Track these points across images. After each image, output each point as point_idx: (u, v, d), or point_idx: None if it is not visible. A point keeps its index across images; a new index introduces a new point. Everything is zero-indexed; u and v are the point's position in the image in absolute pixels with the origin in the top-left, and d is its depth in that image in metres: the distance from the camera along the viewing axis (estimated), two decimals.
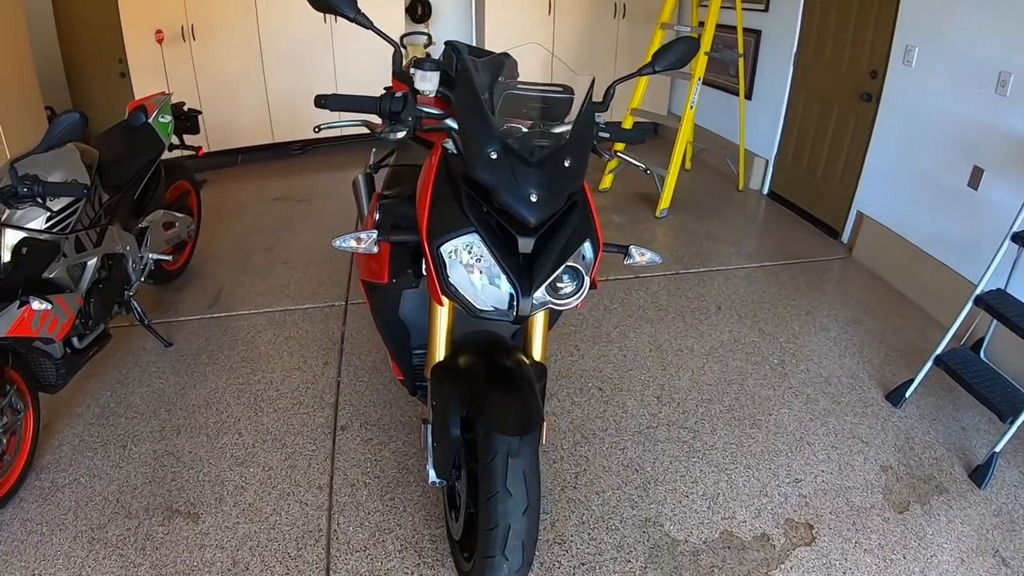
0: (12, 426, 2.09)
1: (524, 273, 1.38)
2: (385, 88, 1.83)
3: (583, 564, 1.91)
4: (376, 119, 1.62)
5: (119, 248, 2.60)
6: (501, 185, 1.36)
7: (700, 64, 4.10)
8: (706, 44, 4.07)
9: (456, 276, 1.43)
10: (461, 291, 1.43)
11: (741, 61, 4.47)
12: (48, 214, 2.13)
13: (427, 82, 1.56)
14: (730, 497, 2.13)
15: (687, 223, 4.23)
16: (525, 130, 1.56)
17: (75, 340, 2.35)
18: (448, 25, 5.68)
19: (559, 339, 2.98)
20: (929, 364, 2.47)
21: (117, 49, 4.72)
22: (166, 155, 3.23)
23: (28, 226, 2.09)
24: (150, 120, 2.94)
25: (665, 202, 4.27)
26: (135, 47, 4.64)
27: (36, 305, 1.99)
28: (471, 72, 1.46)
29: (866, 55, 3.64)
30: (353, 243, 1.48)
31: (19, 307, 1.96)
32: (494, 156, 1.37)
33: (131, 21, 4.59)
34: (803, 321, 3.13)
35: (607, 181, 4.72)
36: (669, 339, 2.99)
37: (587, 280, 1.45)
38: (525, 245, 1.38)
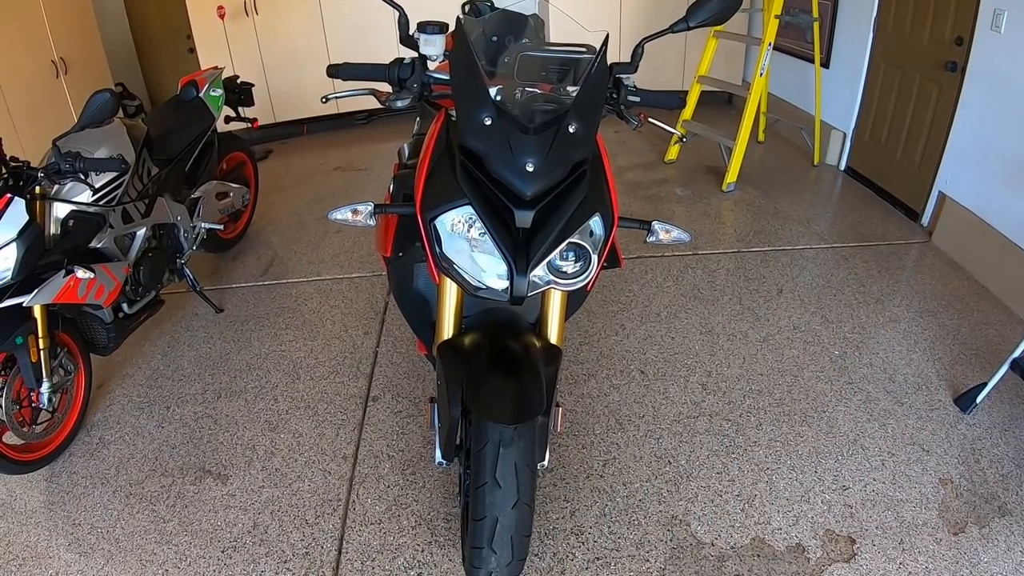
0: (63, 385, 2.21)
1: (520, 250, 1.29)
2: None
3: (598, 559, 1.83)
4: (386, 87, 1.56)
5: (169, 218, 2.69)
6: (495, 154, 1.26)
7: (770, 28, 3.79)
8: (777, 7, 3.75)
9: (453, 251, 1.36)
10: (456, 267, 1.36)
11: (816, 26, 4.10)
12: (95, 188, 2.21)
13: (432, 46, 1.48)
14: (767, 500, 1.99)
15: (755, 199, 3.98)
16: (539, 92, 1.45)
17: (124, 306, 2.46)
18: None
19: (604, 317, 2.88)
20: (1005, 368, 2.20)
21: (185, 26, 4.89)
22: (224, 127, 3.32)
23: (75, 200, 2.18)
24: (201, 94, 3.01)
25: (732, 176, 4.03)
26: (200, 23, 4.79)
27: (81, 274, 2.08)
28: (465, 32, 1.36)
29: (951, 20, 3.26)
30: (349, 215, 1.44)
31: (65, 276, 2.06)
32: (488, 122, 1.28)
33: None
34: (871, 310, 2.88)
35: (673, 152, 4.50)
36: (722, 322, 2.82)
37: (594, 259, 1.34)
38: (523, 219, 1.28)
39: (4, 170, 1.98)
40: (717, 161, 4.34)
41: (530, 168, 1.25)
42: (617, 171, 4.28)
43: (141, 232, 2.49)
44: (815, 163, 4.41)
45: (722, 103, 5.60)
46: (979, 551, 1.82)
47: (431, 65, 1.59)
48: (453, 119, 1.45)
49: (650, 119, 1.72)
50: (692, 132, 4.31)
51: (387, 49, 5.10)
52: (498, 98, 1.35)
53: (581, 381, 2.50)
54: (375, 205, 1.45)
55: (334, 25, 5.07)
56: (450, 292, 1.52)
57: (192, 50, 4.92)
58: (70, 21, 4.43)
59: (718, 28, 4.11)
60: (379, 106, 1.60)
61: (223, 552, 1.90)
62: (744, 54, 5.32)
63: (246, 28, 4.89)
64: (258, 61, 4.97)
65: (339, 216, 1.45)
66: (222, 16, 4.76)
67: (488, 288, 1.36)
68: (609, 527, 1.92)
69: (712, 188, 4.13)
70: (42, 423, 2.18)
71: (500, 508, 1.33)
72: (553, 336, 1.54)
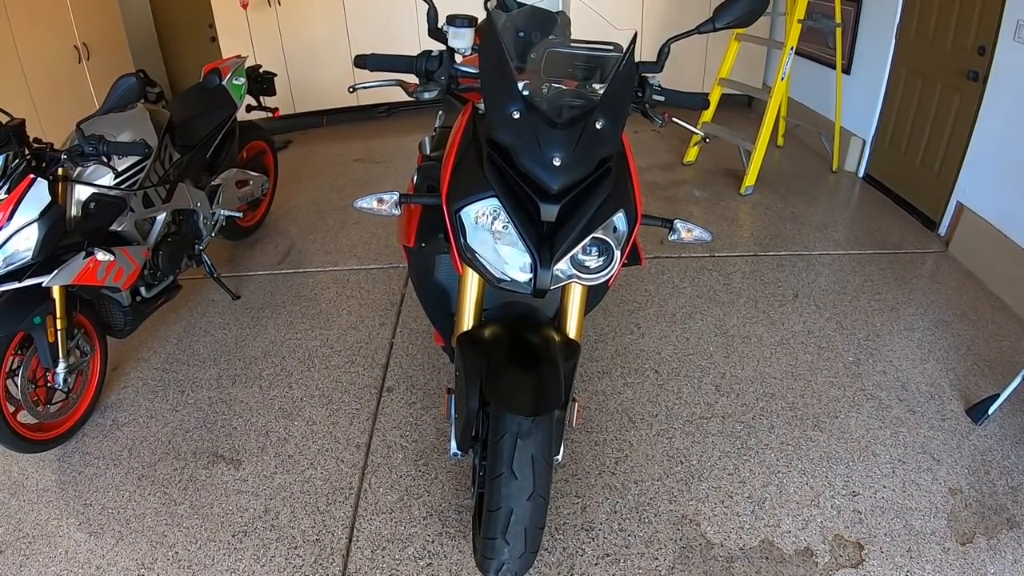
0: (79, 367, 2.24)
1: (545, 243, 1.30)
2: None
3: (607, 555, 1.83)
4: (413, 78, 1.56)
5: (189, 204, 2.71)
6: (522, 147, 1.27)
7: (793, 32, 3.77)
8: (800, 11, 3.73)
9: (477, 243, 1.36)
10: (480, 259, 1.36)
11: (839, 31, 4.08)
12: (117, 171, 2.23)
13: (460, 39, 1.48)
14: (778, 503, 1.98)
15: (772, 203, 3.96)
16: (563, 88, 1.45)
17: (142, 290, 2.48)
18: None
19: (620, 316, 2.88)
20: (1018, 380, 2.18)
21: (207, 15, 4.92)
22: (245, 116, 3.34)
23: (97, 183, 2.20)
24: (223, 82, 3.02)
25: (750, 179, 4.01)
26: (222, 12, 4.83)
27: (100, 256, 2.10)
28: (495, 26, 1.37)
29: (973, 29, 3.24)
30: (375, 204, 1.45)
31: (84, 257, 2.08)
32: (516, 116, 1.29)
33: None
34: (886, 317, 2.86)
35: (692, 154, 4.49)
36: (737, 325, 2.82)
37: (617, 254, 1.35)
38: (548, 213, 1.29)
39: (27, 151, 2.00)
40: (735, 164, 4.33)
41: (557, 162, 1.26)
42: None
43: (161, 217, 2.51)
44: (834, 169, 4.38)
45: (742, 106, 5.58)
46: (986, 562, 1.81)
47: (458, 58, 1.60)
48: (480, 112, 1.46)
49: (674, 118, 1.71)
50: (711, 134, 4.30)
51: (408, 40, 5.13)
52: (525, 93, 1.36)
53: (596, 378, 2.50)
54: (400, 195, 1.46)
55: (355, 17, 5.09)
56: (472, 283, 1.53)
57: (214, 39, 4.96)
58: (93, 7, 4.47)
59: (741, 30, 4.09)
60: (399, 100, 1.60)
61: (234, 536, 1.91)
62: (765, 58, 5.30)
63: (268, 18, 4.92)
64: (279, 51, 4.99)
65: (364, 204, 1.46)
66: (245, 6, 4.79)
67: (511, 280, 1.36)
68: (619, 524, 1.92)
69: (730, 191, 4.11)
70: (57, 403, 2.20)
71: (515, 499, 1.34)
72: (572, 330, 1.54)
